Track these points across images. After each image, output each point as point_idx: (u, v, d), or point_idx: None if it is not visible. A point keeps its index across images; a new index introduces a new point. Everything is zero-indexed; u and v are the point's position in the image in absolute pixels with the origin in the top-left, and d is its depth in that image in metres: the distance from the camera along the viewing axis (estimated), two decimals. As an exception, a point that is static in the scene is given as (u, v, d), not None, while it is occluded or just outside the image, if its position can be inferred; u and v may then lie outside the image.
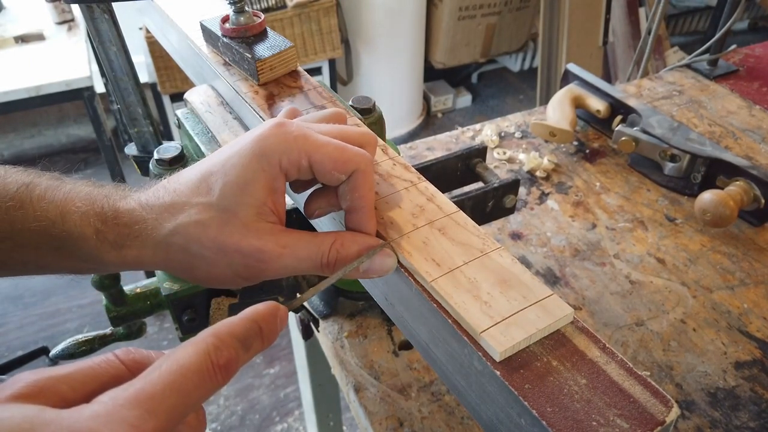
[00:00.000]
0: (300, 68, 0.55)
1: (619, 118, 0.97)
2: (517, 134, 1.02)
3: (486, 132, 1.01)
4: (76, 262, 0.38)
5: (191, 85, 0.62)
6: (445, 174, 0.65)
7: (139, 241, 0.37)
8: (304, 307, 0.65)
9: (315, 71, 2.60)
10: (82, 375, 0.27)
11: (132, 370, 0.28)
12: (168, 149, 0.55)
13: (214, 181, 0.36)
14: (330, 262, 0.36)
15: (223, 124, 0.54)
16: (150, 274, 0.68)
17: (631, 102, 0.95)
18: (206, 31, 0.58)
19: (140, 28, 2.25)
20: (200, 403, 0.28)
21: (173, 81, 2.35)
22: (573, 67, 1.04)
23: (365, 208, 0.37)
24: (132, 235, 0.37)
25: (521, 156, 0.97)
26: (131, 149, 0.76)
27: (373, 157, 0.39)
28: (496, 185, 0.62)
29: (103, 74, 0.73)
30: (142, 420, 0.24)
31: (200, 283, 0.39)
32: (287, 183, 0.38)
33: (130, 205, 0.37)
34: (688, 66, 1.17)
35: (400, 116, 2.93)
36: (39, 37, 1.93)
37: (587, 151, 0.98)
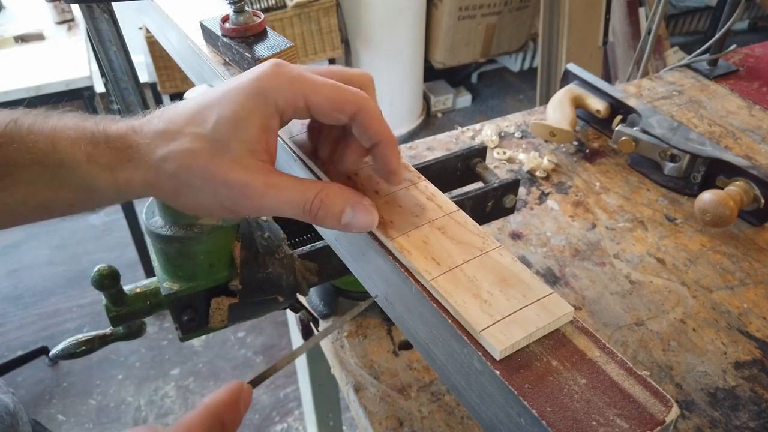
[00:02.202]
0: (300, 68, 0.55)
1: (619, 118, 0.97)
2: (517, 134, 1.02)
3: (486, 132, 1.01)
4: (71, 192, 0.38)
5: (191, 85, 0.62)
6: (445, 174, 0.65)
7: (131, 164, 0.37)
8: (303, 306, 0.65)
9: (315, 71, 2.59)
10: None
11: None
12: (168, 149, 0.55)
13: (209, 113, 0.36)
14: (313, 210, 0.37)
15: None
16: (150, 274, 0.68)
17: (631, 102, 0.95)
18: (206, 31, 0.58)
19: (140, 28, 2.25)
20: None
21: (173, 81, 2.35)
22: (573, 67, 1.04)
23: (384, 141, 0.38)
24: (124, 158, 0.37)
25: (521, 156, 0.97)
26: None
27: (373, 98, 0.39)
28: (496, 185, 0.62)
29: (103, 74, 0.73)
30: None
31: (185, 210, 0.39)
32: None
33: (122, 130, 0.37)
34: (688, 66, 1.17)
35: (400, 116, 2.94)
36: (39, 37, 1.93)
37: (587, 151, 0.98)
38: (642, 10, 2.55)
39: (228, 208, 0.37)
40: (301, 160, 0.45)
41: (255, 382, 0.35)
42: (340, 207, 0.37)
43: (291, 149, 0.46)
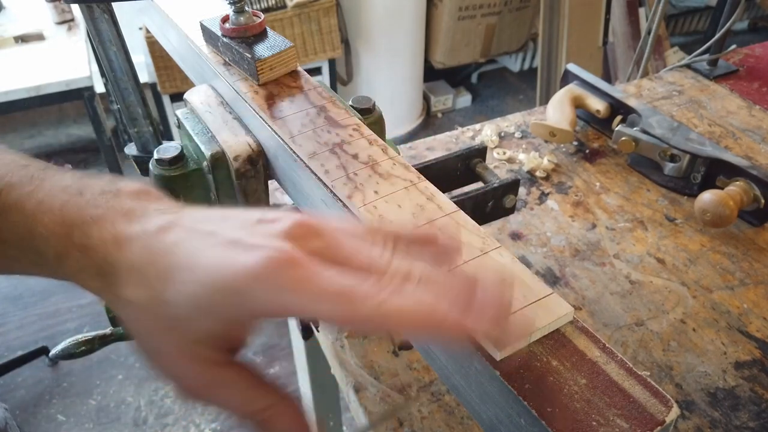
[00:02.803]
0: (300, 68, 0.55)
1: (618, 118, 0.97)
2: (517, 134, 1.02)
3: (486, 132, 1.01)
4: (37, 272, 0.35)
5: (191, 85, 0.62)
6: (445, 174, 0.65)
7: (98, 283, 0.33)
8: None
9: (315, 71, 2.60)
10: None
11: None
12: (168, 149, 0.55)
13: (182, 282, 0.30)
14: (254, 421, 0.32)
15: (223, 124, 0.54)
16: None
17: (631, 102, 0.95)
18: (206, 31, 0.58)
19: (140, 28, 2.25)
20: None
21: (173, 81, 2.35)
22: (573, 67, 1.04)
23: (428, 335, 0.31)
24: (94, 271, 0.32)
25: (521, 156, 0.97)
26: (131, 149, 0.76)
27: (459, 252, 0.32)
28: (496, 185, 0.62)
29: (103, 74, 0.73)
30: None
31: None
32: None
33: (105, 239, 0.32)
34: (688, 66, 1.17)
35: (400, 116, 2.94)
36: (39, 37, 1.94)
37: (587, 151, 0.98)
38: (642, 10, 2.55)
39: (169, 383, 0.33)
40: (303, 161, 0.45)
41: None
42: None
43: (292, 150, 0.46)
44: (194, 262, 0.30)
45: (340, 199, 0.43)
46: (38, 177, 0.34)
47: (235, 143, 0.51)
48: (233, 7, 0.53)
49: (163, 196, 0.35)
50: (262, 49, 0.52)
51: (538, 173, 0.93)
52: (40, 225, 0.32)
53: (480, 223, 0.40)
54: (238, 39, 0.54)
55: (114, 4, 0.65)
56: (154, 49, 2.22)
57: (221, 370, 0.31)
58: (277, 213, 0.32)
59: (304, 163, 0.45)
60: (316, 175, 0.44)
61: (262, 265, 0.28)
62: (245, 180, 0.52)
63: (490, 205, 0.63)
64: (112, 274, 0.32)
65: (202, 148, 0.53)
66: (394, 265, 0.29)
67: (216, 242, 0.30)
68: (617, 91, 0.98)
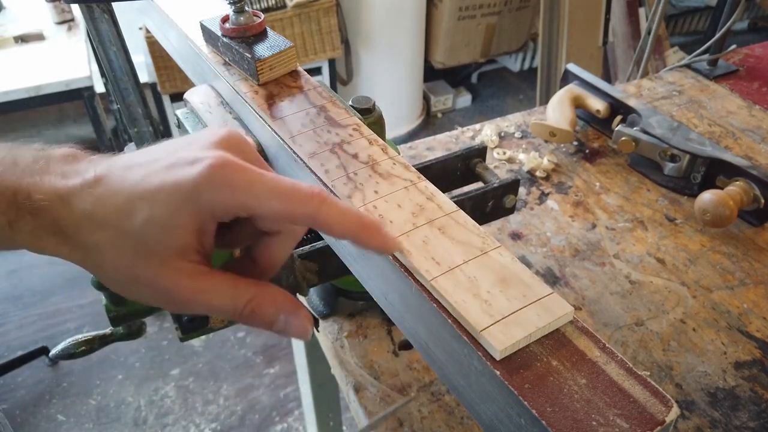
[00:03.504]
0: (300, 68, 0.55)
1: (618, 118, 0.97)
2: (517, 134, 1.02)
3: (486, 132, 1.01)
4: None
5: (191, 85, 0.62)
6: (445, 174, 0.65)
7: (57, 239, 0.34)
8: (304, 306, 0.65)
9: (315, 71, 2.60)
10: None
11: None
12: (168, 149, 0.55)
13: (139, 209, 0.32)
14: (243, 317, 0.34)
15: (223, 124, 0.54)
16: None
17: (631, 102, 0.95)
18: (206, 31, 0.58)
19: (140, 28, 2.25)
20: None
21: (173, 81, 2.35)
22: (573, 67, 1.04)
23: (353, 237, 0.34)
24: (50, 230, 0.33)
25: (521, 156, 0.97)
26: (131, 149, 0.76)
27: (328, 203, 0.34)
28: (496, 185, 0.62)
29: (103, 74, 0.73)
30: None
31: (115, 290, 0.37)
32: None
33: (48, 197, 0.33)
34: (688, 66, 1.17)
35: (400, 116, 2.94)
36: (39, 37, 1.94)
37: (587, 151, 0.98)
38: (642, 10, 2.55)
39: (154, 303, 0.35)
40: (303, 161, 0.45)
41: None
42: (271, 317, 0.35)
43: (292, 150, 0.46)
44: (145, 189, 0.32)
45: (340, 199, 0.43)
46: None
47: (235, 143, 0.51)
48: (233, 7, 0.53)
49: (91, 155, 0.36)
50: (262, 49, 0.52)
51: (538, 173, 0.93)
52: None
53: (480, 223, 0.40)
54: (238, 39, 0.54)
55: (114, 4, 0.65)
56: (154, 49, 2.22)
57: (202, 278, 0.33)
58: (205, 130, 0.35)
59: (304, 162, 0.45)
60: (316, 174, 0.44)
61: (209, 170, 0.32)
62: (245, 180, 0.52)
63: (490, 205, 0.63)
64: (67, 229, 0.33)
65: (202, 148, 0.53)
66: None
67: (159, 167, 0.33)
68: (617, 91, 0.98)
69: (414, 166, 0.54)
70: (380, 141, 0.47)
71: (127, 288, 0.35)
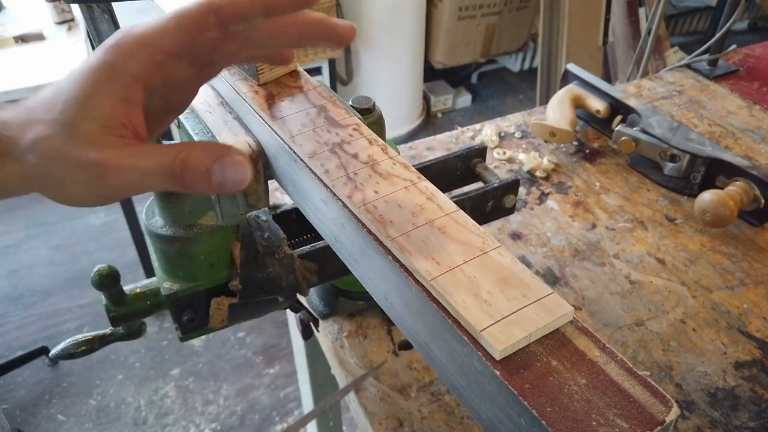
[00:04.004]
0: (300, 68, 0.55)
1: (618, 118, 0.97)
2: (517, 134, 1.02)
3: (486, 132, 1.01)
4: None
5: (191, 84, 0.62)
6: (445, 174, 0.65)
7: (2, 160, 0.35)
8: (303, 306, 0.65)
9: (315, 71, 2.60)
10: None
11: None
12: (168, 149, 0.55)
13: (60, 97, 0.34)
14: (177, 175, 0.34)
15: (222, 124, 0.54)
16: (150, 274, 0.68)
17: (631, 102, 0.95)
18: (206, 31, 0.57)
19: (140, 28, 2.25)
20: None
21: (173, 81, 2.35)
22: (573, 67, 1.04)
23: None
24: None
25: (521, 156, 0.97)
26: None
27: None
28: (496, 185, 0.62)
29: (103, 74, 0.73)
30: None
31: (64, 203, 0.37)
32: None
33: None
34: (688, 66, 1.17)
35: (400, 116, 2.93)
36: (39, 37, 1.93)
37: (587, 151, 0.98)
38: (642, 10, 2.55)
39: (96, 194, 0.35)
40: (303, 161, 0.45)
41: None
42: (205, 165, 0.34)
43: (292, 150, 0.46)
44: (64, 80, 0.35)
45: (340, 199, 0.43)
46: None
47: (235, 143, 0.51)
48: (233, 7, 0.53)
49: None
50: (262, 49, 0.52)
51: (538, 173, 0.93)
52: None
53: (480, 223, 0.40)
54: (238, 39, 0.54)
55: (114, 4, 0.65)
56: (154, 49, 2.21)
57: (129, 147, 0.34)
58: None
59: (304, 163, 0.45)
60: (316, 174, 0.44)
61: (113, 40, 0.35)
62: (245, 180, 0.52)
63: (490, 205, 0.63)
64: (7, 147, 0.34)
65: (202, 148, 0.53)
66: None
67: (71, 72, 0.35)
68: (617, 91, 0.98)
69: (414, 166, 0.54)
70: (380, 141, 0.47)
71: (65, 181, 0.34)
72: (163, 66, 0.35)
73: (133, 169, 0.33)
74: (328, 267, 0.58)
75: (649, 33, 1.36)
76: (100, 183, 0.34)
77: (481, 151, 0.66)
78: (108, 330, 0.57)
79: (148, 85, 0.35)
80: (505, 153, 0.97)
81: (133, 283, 0.56)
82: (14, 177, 0.35)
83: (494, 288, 0.35)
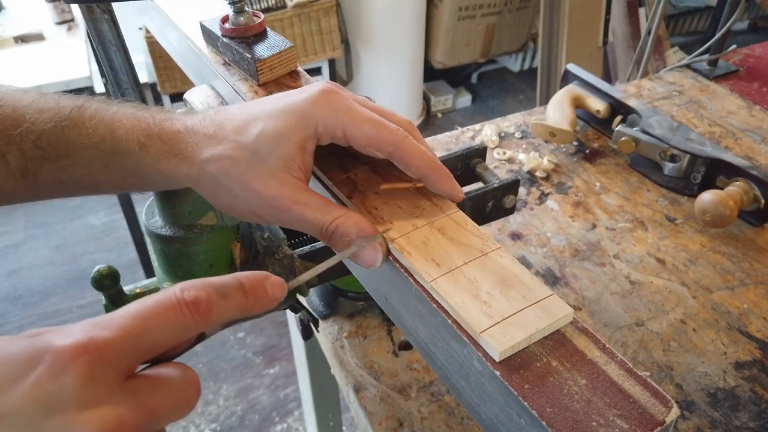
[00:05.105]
0: (300, 68, 0.55)
1: (619, 118, 0.97)
2: (517, 134, 1.02)
3: (486, 132, 1.01)
4: (122, 176, 0.42)
5: (191, 85, 0.62)
6: (445, 174, 0.65)
7: (177, 159, 0.40)
8: (303, 306, 0.65)
9: (315, 71, 2.60)
10: None
11: None
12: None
13: (254, 125, 0.39)
14: (327, 233, 0.39)
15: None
16: (149, 274, 0.68)
17: (631, 102, 0.95)
18: (206, 31, 0.58)
19: (140, 28, 2.25)
20: (167, 341, 0.29)
21: (173, 81, 2.35)
22: (573, 67, 1.03)
23: (428, 173, 0.40)
24: (172, 152, 0.40)
25: (521, 156, 0.97)
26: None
27: (415, 136, 0.41)
28: (495, 185, 0.62)
29: (103, 74, 0.73)
30: (95, 332, 0.27)
31: (219, 209, 0.43)
32: None
33: (176, 127, 0.41)
34: (688, 66, 1.17)
35: (400, 116, 2.93)
36: (39, 37, 1.93)
37: (587, 151, 0.98)
38: (642, 11, 2.55)
39: (257, 215, 0.40)
40: (319, 178, 0.45)
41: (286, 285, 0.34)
42: (351, 236, 0.38)
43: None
44: (261, 110, 0.40)
45: (340, 199, 0.43)
46: (108, 99, 0.43)
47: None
48: (233, 7, 0.53)
49: None
50: (262, 49, 0.52)
51: (538, 173, 0.93)
52: (120, 125, 0.40)
53: (480, 224, 0.40)
54: (238, 39, 0.54)
55: (114, 4, 0.65)
56: (154, 49, 2.22)
57: (303, 192, 0.39)
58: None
59: (321, 180, 0.45)
60: (315, 175, 0.44)
61: (319, 92, 0.39)
62: (245, 180, 0.52)
63: (490, 206, 0.63)
64: (187, 151, 0.40)
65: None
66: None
67: (271, 100, 0.41)
68: (617, 91, 0.98)
69: (414, 166, 0.54)
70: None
71: (236, 197, 0.39)
72: (336, 138, 0.40)
73: (298, 214, 0.38)
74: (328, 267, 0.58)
75: (649, 33, 1.36)
76: (268, 211, 0.39)
77: (481, 152, 0.66)
78: (108, 330, 0.57)
79: (320, 141, 0.40)
80: (505, 153, 0.97)
81: (133, 283, 0.56)
82: (185, 177, 0.40)
83: (494, 289, 0.35)
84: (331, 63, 2.61)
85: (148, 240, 0.55)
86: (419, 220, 0.39)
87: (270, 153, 0.38)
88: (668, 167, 0.88)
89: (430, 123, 3.12)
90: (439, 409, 0.63)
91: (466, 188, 0.67)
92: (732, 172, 0.83)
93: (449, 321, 0.34)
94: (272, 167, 0.38)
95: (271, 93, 0.52)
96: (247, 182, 0.38)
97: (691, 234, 0.82)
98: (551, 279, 0.76)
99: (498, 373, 0.31)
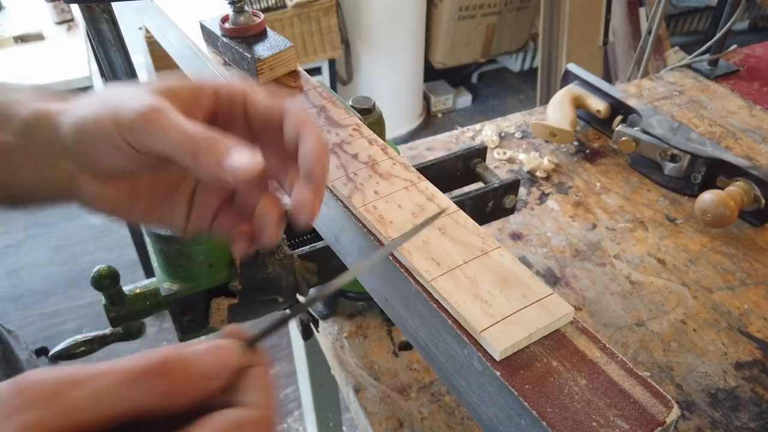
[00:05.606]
0: (300, 68, 0.55)
1: (619, 118, 0.97)
2: (517, 134, 1.02)
3: (486, 132, 1.01)
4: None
5: (191, 84, 0.62)
6: (445, 174, 0.65)
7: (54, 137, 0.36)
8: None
9: (315, 71, 2.60)
10: None
11: None
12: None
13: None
14: (196, 150, 0.33)
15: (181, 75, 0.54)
16: (149, 274, 0.67)
17: (632, 102, 0.95)
18: (206, 31, 0.58)
19: (140, 28, 2.25)
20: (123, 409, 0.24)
21: (173, 81, 2.34)
22: (573, 67, 1.03)
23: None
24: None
25: (521, 156, 0.97)
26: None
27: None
28: (496, 185, 0.62)
29: (103, 74, 0.73)
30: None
31: (91, 170, 0.37)
32: None
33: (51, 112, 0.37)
34: (688, 66, 1.17)
35: (400, 116, 2.93)
36: (39, 37, 1.93)
37: (587, 151, 0.98)
38: (642, 10, 2.55)
39: (126, 151, 0.34)
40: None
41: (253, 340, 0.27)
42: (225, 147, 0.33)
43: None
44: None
45: (340, 200, 0.43)
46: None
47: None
48: (233, 7, 0.53)
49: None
50: (262, 49, 0.52)
51: (538, 173, 0.93)
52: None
53: (480, 223, 0.40)
54: (238, 39, 0.54)
55: (114, 4, 0.65)
56: (154, 49, 2.21)
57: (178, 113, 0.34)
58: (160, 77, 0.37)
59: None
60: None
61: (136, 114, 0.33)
62: (245, 180, 0.52)
63: (490, 205, 0.63)
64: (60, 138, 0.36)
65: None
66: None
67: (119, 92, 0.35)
68: (617, 91, 0.98)
69: (414, 166, 0.54)
70: (380, 141, 0.46)
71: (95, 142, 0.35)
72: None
73: (173, 125, 0.33)
74: (328, 267, 0.58)
75: (649, 33, 1.36)
76: (143, 129, 0.33)
77: (481, 152, 0.66)
78: (108, 330, 0.57)
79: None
80: (505, 153, 0.97)
81: (133, 284, 0.56)
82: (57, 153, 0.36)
83: (494, 288, 0.35)
84: (331, 63, 2.61)
85: (147, 240, 0.55)
86: (419, 219, 0.39)
87: (128, 98, 0.34)
88: (669, 167, 0.88)
89: (430, 123, 3.12)
90: (439, 410, 0.63)
91: (467, 188, 0.67)
92: (732, 172, 0.83)
93: (449, 320, 0.34)
94: (138, 94, 0.34)
95: (271, 93, 0.52)
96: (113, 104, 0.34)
97: (692, 234, 0.82)
98: (551, 279, 0.76)
99: (498, 373, 0.31)
